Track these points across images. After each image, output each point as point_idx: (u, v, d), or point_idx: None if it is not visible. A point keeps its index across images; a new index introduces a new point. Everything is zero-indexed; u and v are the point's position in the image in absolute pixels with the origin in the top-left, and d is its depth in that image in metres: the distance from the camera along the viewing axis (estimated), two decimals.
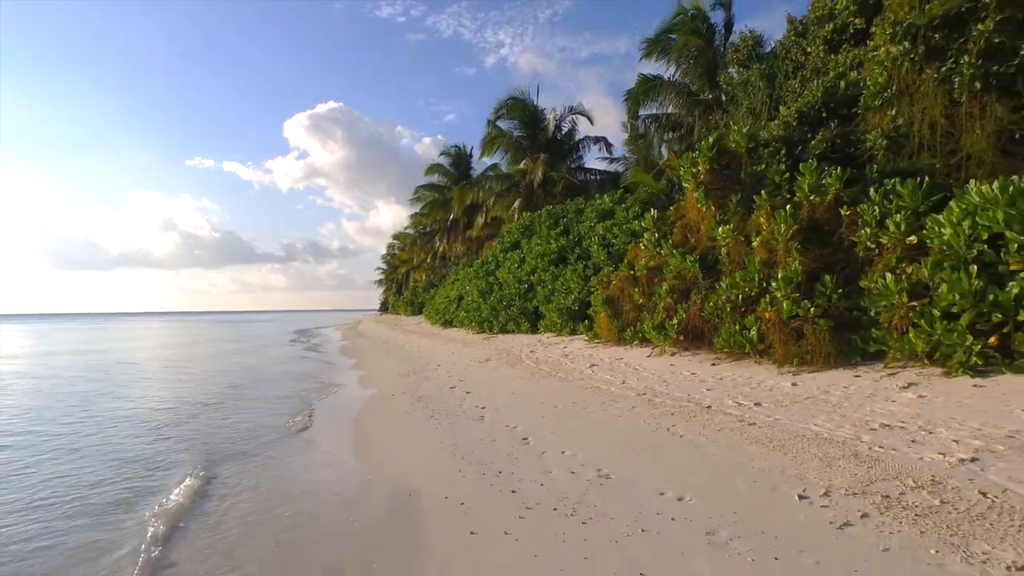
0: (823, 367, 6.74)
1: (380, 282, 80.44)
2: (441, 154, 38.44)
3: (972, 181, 6.16)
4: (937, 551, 2.82)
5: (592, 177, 25.34)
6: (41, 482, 5.58)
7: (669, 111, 19.16)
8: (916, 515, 3.17)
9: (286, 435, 7.43)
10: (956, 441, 4.15)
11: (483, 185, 26.45)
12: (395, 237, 68.18)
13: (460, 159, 37.80)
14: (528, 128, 24.14)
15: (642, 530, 3.42)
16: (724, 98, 16.62)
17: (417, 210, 45.64)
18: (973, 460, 3.79)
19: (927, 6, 7.65)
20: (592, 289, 13.06)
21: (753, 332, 7.53)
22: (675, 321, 8.92)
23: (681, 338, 8.90)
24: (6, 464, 6.25)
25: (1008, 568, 2.62)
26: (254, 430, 7.76)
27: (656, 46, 18.96)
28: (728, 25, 18.48)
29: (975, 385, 5.28)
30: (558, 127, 25.45)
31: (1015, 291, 5.26)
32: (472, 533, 3.68)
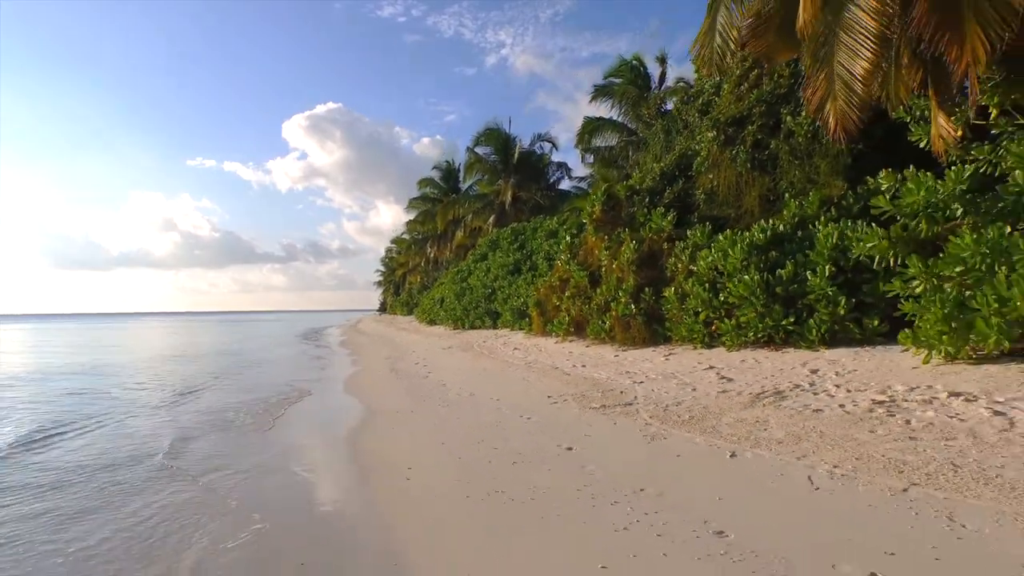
0: (640, 346, 10.69)
1: (379, 283, 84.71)
2: (433, 168, 42.54)
3: (722, 233, 10.11)
4: (589, 422, 6.72)
5: (564, 195, 29.31)
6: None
7: (611, 144, 23.13)
8: (610, 407, 7.07)
9: (305, 386, 11.36)
10: (650, 376, 8.08)
11: (463, 203, 30.50)
12: (393, 242, 72.15)
13: (450, 173, 41.79)
14: (501, 154, 28.16)
15: (480, 412, 7.33)
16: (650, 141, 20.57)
17: (412, 218, 49.73)
18: (643, 383, 7.72)
19: (723, 111, 11.61)
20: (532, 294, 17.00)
21: (607, 325, 11.48)
22: (566, 317, 12.88)
23: (572, 329, 12.86)
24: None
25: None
26: (290, 383, 11.70)
27: (601, 92, 22.93)
28: (662, 77, 22.47)
29: (700, 353, 9.23)
30: (532, 151, 29.47)
31: (723, 299, 9.20)
32: (403, 419, 7.60)
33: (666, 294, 10.55)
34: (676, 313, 10.19)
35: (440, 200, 40.18)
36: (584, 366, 9.87)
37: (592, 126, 22.56)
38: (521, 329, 17.71)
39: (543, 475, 4.42)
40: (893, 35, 6.22)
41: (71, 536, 3.84)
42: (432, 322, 29.57)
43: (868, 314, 7.80)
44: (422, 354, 16.00)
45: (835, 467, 3.99)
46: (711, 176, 12.22)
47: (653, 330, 10.75)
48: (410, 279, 56.22)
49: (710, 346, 9.47)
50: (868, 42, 6.19)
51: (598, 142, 23.43)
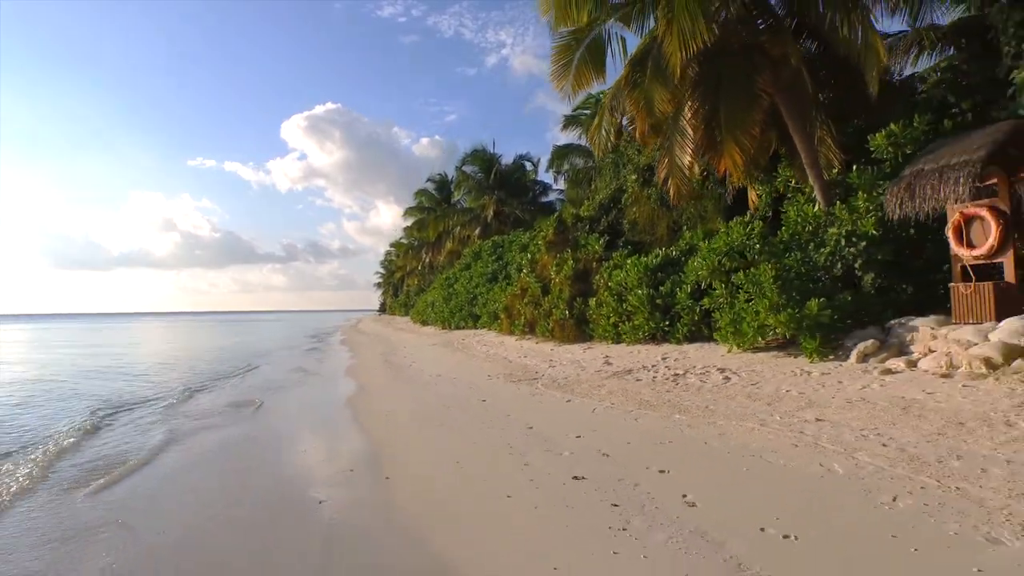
0: (571, 343, 13.99)
1: (379, 285, 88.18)
2: (427, 180, 45.85)
3: (630, 258, 13.41)
4: (526, 391, 10.03)
5: (545, 206, 32.64)
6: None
7: (579, 167, 26.42)
8: (523, 380, 10.37)
9: (311, 371, 14.67)
10: (562, 363, 11.37)
11: (452, 216, 33.88)
12: (392, 245, 75.46)
13: (444, 184, 45.08)
14: (486, 172, 31.50)
15: (440, 386, 10.62)
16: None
17: (409, 224, 53.05)
18: (555, 367, 11.03)
19: (638, 160, 14.93)
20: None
21: (550, 326, 14.79)
22: (523, 319, 16.21)
23: (527, 329, 16.19)
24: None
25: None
26: (295, 371, 15.00)
27: (571, 122, 26.20)
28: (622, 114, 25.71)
29: (608, 347, 12.54)
30: (517, 167, 32.84)
31: (625, 307, 12.50)
32: (386, 390, 10.90)
33: (591, 303, 13.86)
34: (596, 317, 13.50)
35: (434, 209, 43.51)
36: (525, 357, 13.19)
37: (562, 153, 25.88)
38: (494, 329, 21.00)
39: (463, 412, 7.73)
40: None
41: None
42: (425, 323, 32.92)
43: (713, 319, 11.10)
44: (411, 350, 19.32)
45: (614, 404, 7.29)
46: (634, 209, 15.54)
47: (581, 330, 14.07)
48: (408, 282, 59.50)
49: (617, 342, 12.78)
50: (689, 145, 9.52)
51: (568, 165, 26.74)
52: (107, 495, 5.18)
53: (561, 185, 32.41)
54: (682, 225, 14.22)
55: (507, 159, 32.46)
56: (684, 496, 3.98)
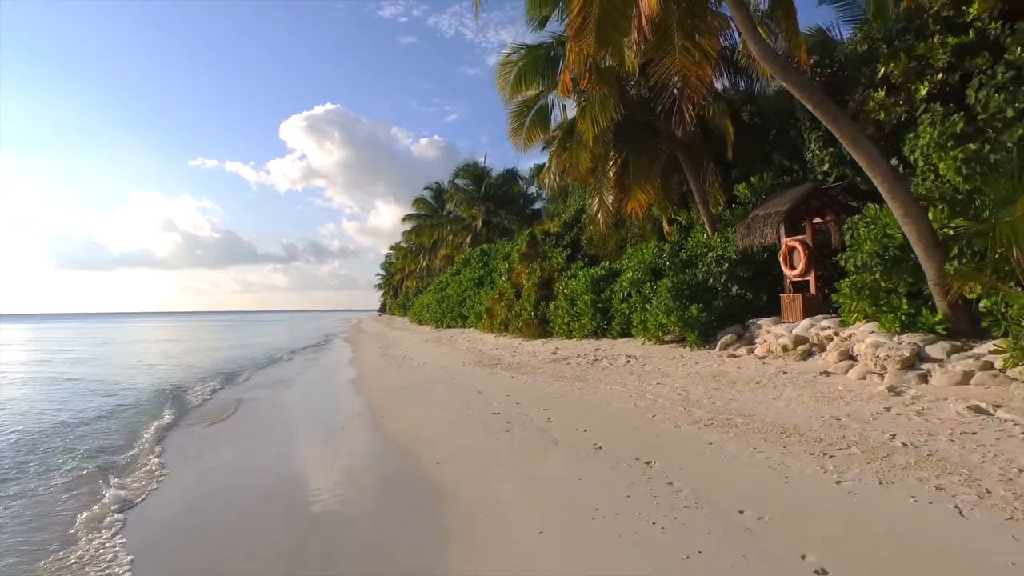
0: (535, 339, 17.10)
1: (379, 286, 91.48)
2: (425, 188, 48.98)
3: (582, 270, 16.52)
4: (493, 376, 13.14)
5: (533, 216, 35.76)
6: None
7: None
8: (488, 366, 13.49)
9: (317, 366, 17.78)
10: (521, 353, 14.49)
11: (445, 225, 37.06)
12: (392, 248, 78.66)
13: (439, 193, 48.16)
14: (476, 185, 34.64)
15: (424, 370, 13.72)
16: None
17: (407, 229, 56.23)
18: (515, 355, 14.15)
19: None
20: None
21: (520, 325, 17.90)
22: (499, 320, 19.33)
23: (503, 328, 19.31)
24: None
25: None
26: (309, 363, 18.12)
27: (550, 143, 29.31)
28: None
29: (561, 341, 15.65)
30: (506, 178, 35.99)
31: (576, 310, 15.62)
32: (380, 373, 14.01)
33: (551, 306, 16.97)
34: (555, 317, 16.61)
35: (431, 217, 46.68)
36: (495, 349, 16.30)
37: (541, 169, 28.95)
38: (478, 328, 24.12)
39: (436, 385, 10.84)
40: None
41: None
42: (421, 322, 36.07)
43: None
44: (405, 345, 22.46)
45: (540, 378, 10.39)
46: (591, 228, 18.65)
47: (543, 328, 17.18)
48: (407, 284, 62.68)
49: (569, 337, 15.89)
50: (612, 189, 12.61)
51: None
52: (251, 402, 8.34)
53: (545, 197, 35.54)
54: (627, 242, 17.32)
55: (499, 169, 35.61)
56: (548, 420, 7.09)
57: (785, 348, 9.38)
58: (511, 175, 35.61)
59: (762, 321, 10.81)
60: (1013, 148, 6.47)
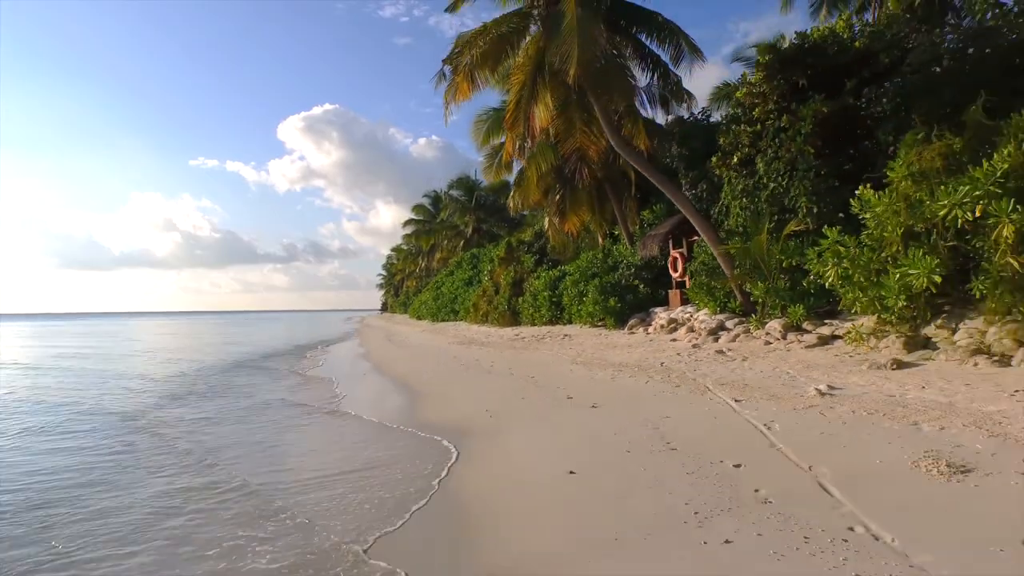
0: (507, 327, 21.54)
1: (381, 286, 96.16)
2: (423, 195, 53.49)
3: (543, 272, 20.97)
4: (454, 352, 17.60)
5: (520, 222, 40.24)
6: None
7: None
8: (467, 344, 17.92)
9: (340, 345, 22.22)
10: (494, 337, 18.94)
11: (440, 231, 41.54)
12: (393, 250, 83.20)
13: (437, 201, 52.67)
14: (468, 196, 39.08)
15: (420, 349, 18.14)
16: None
17: (407, 232, 60.72)
18: (489, 337, 18.60)
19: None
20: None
21: (496, 316, 22.33)
22: (481, 313, 23.79)
23: (484, 319, 23.78)
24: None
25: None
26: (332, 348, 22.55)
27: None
28: None
29: (526, 328, 20.11)
30: (492, 194, 40.49)
31: (538, 303, 20.06)
32: (384, 351, 18.43)
33: (520, 301, 21.40)
34: (523, 310, 21.03)
35: (428, 222, 51.17)
36: (476, 335, 20.73)
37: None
38: (466, 321, 28.56)
39: (426, 355, 15.27)
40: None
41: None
42: (420, 318, 40.52)
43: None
44: (405, 335, 26.91)
45: (497, 350, 14.82)
46: (554, 237, 23.07)
47: (515, 319, 21.60)
48: (407, 283, 67.16)
49: (532, 325, 20.29)
50: (556, 213, 17.02)
51: None
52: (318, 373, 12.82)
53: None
54: (582, 249, 21.74)
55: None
56: (492, 365, 11.51)
57: (662, 327, 13.80)
58: (500, 186, 40.02)
59: (657, 309, 15.23)
60: (763, 201, 10.90)
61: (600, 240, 18.49)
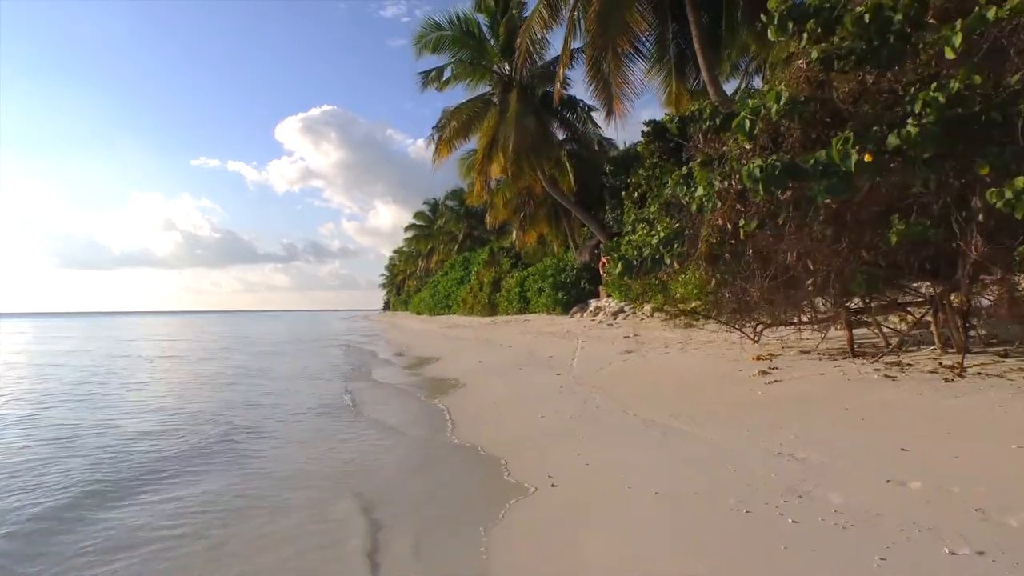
0: (488, 316, 27.02)
1: (383, 285, 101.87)
2: (423, 202, 59.04)
3: (515, 273, 26.47)
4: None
5: (502, 229, 45.74)
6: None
7: None
8: (451, 329, 23.41)
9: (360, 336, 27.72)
10: (476, 324, 24.43)
11: (437, 236, 47.09)
12: (395, 251, 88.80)
13: (436, 208, 58.25)
14: (460, 205, 44.55)
15: (419, 333, 23.60)
16: None
17: (409, 236, 66.26)
18: (470, 326, 24.10)
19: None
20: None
21: (479, 308, 27.81)
22: (468, 306, 29.28)
23: (471, 311, 29.26)
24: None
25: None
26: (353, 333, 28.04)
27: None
28: None
29: (500, 317, 25.62)
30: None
31: (511, 297, 25.56)
32: (394, 334, 23.88)
33: (498, 296, 26.87)
34: (499, 303, 26.50)
35: (427, 227, 56.72)
36: (461, 322, 26.19)
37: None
38: (457, 314, 34.03)
39: (426, 335, 20.75)
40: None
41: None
42: (419, 313, 46.06)
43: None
44: (408, 326, 32.43)
45: (472, 331, 20.30)
46: (528, 239, 28.54)
47: (493, 310, 27.07)
48: (408, 283, 72.73)
49: (506, 315, 25.75)
50: (520, 228, 22.49)
51: None
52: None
53: None
54: (547, 255, 27.22)
55: None
56: (460, 337, 16.98)
57: (590, 312, 19.27)
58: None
59: (593, 300, 20.69)
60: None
61: (556, 248, 23.99)
